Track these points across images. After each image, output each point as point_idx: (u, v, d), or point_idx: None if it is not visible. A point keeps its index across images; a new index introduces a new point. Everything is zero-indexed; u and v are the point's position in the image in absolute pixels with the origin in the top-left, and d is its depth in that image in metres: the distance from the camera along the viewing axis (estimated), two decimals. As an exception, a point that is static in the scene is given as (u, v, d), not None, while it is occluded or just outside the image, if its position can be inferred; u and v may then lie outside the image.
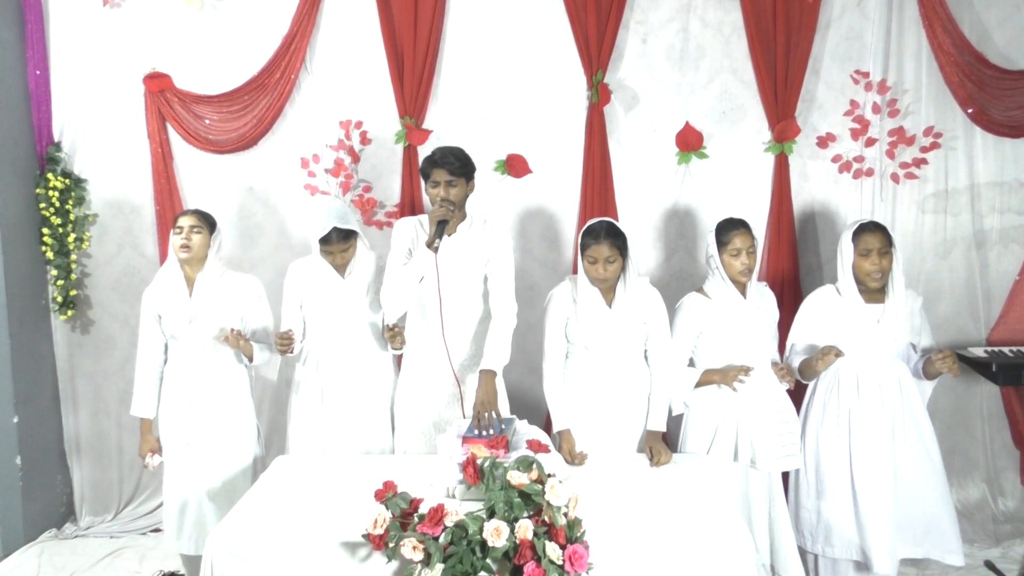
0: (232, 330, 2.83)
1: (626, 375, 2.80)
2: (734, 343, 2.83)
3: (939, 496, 2.77)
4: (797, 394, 2.94)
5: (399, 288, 2.76)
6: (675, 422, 2.89)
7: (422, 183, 3.56)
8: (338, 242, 2.80)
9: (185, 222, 2.91)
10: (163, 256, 3.69)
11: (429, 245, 2.63)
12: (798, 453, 2.84)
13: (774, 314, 2.94)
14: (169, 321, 2.92)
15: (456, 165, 2.73)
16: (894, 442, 2.75)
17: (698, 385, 2.86)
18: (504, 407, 2.89)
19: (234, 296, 2.96)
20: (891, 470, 2.74)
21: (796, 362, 2.91)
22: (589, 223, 2.77)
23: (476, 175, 2.86)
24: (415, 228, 2.87)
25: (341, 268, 2.89)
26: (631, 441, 2.80)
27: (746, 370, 2.74)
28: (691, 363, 2.93)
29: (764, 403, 2.80)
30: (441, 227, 2.66)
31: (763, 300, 2.91)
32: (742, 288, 2.86)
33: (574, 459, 2.60)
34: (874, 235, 2.77)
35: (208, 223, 2.94)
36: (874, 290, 2.82)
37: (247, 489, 2.81)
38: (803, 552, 2.90)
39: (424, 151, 3.62)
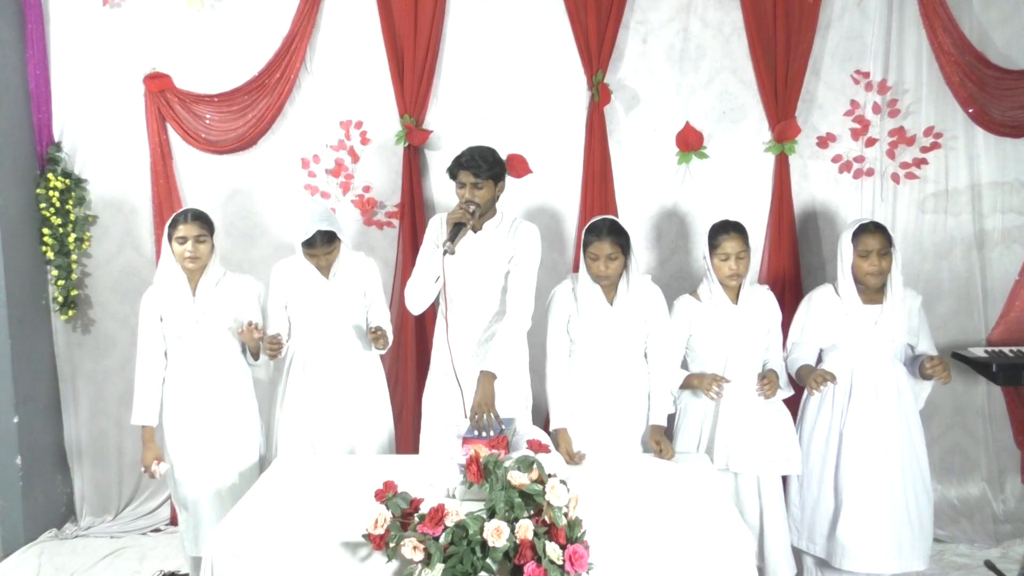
0: (250, 323, 2.80)
1: (627, 373, 2.80)
2: (721, 348, 2.82)
3: (915, 504, 2.77)
4: (798, 397, 2.95)
5: (417, 286, 2.82)
6: (668, 423, 2.89)
7: (422, 182, 3.64)
8: (322, 245, 2.82)
9: (188, 232, 2.83)
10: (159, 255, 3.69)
11: (443, 247, 2.65)
12: (793, 459, 2.83)
13: (773, 319, 2.91)
14: (173, 323, 2.90)
15: (482, 168, 2.73)
16: (888, 446, 2.75)
17: (682, 388, 2.88)
18: (527, 409, 2.91)
19: (236, 296, 2.95)
20: (880, 472, 2.74)
21: (798, 363, 2.90)
22: (592, 220, 2.79)
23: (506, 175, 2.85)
24: (439, 225, 2.89)
25: (325, 269, 2.90)
26: (631, 438, 2.80)
27: (719, 380, 2.74)
28: (684, 365, 2.93)
29: (749, 408, 2.79)
30: (456, 230, 2.67)
31: (758, 306, 2.87)
32: (733, 293, 2.85)
33: (572, 459, 2.60)
34: (874, 236, 2.77)
35: (210, 228, 2.91)
36: (873, 290, 2.82)
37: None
38: (798, 550, 2.92)
39: (428, 153, 3.64)
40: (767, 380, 2.78)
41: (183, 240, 2.84)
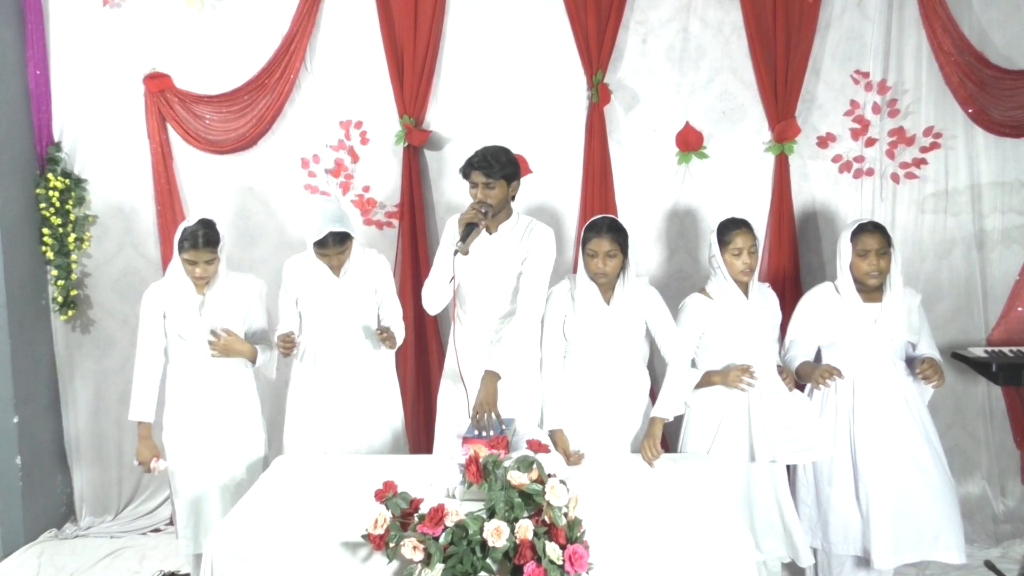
0: (224, 331, 2.80)
1: (623, 374, 2.81)
2: (737, 343, 2.83)
3: (944, 495, 2.76)
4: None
5: (432, 287, 2.84)
6: (675, 422, 2.89)
7: (422, 182, 3.64)
8: (334, 245, 2.81)
9: (199, 257, 2.77)
10: (164, 257, 3.70)
11: (455, 247, 2.65)
12: (825, 444, 2.80)
13: (777, 315, 2.94)
14: (177, 323, 2.88)
15: (494, 168, 2.72)
16: (901, 441, 2.74)
17: (699, 386, 2.86)
18: (538, 410, 2.88)
19: (240, 297, 2.95)
20: (892, 469, 2.73)
21: (796, 361, 2.91)
22: (592, 219, 2.81)
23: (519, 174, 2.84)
24: (453, 226, 2.89)
25: (336, 268, 2.90)
26: (627, 440, 2.81)
27: (747, 370, 2.74)
28: (693, 364, 2.92)
29: (768, 400, 2.79)
30: (469, 230, 2.67)
31: (765, 300, 2.91)
32: (744, 288, 2.86)
33: (568, 459, 2.60)
34: (872, 236, 2.78)
35: (219, 244, 2.82)
36: (872, 289, 2.82)
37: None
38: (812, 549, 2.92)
39: (428, 153, 3.64)
40: (787, 374, 2.83)
41: (192, 263, 2.79)
